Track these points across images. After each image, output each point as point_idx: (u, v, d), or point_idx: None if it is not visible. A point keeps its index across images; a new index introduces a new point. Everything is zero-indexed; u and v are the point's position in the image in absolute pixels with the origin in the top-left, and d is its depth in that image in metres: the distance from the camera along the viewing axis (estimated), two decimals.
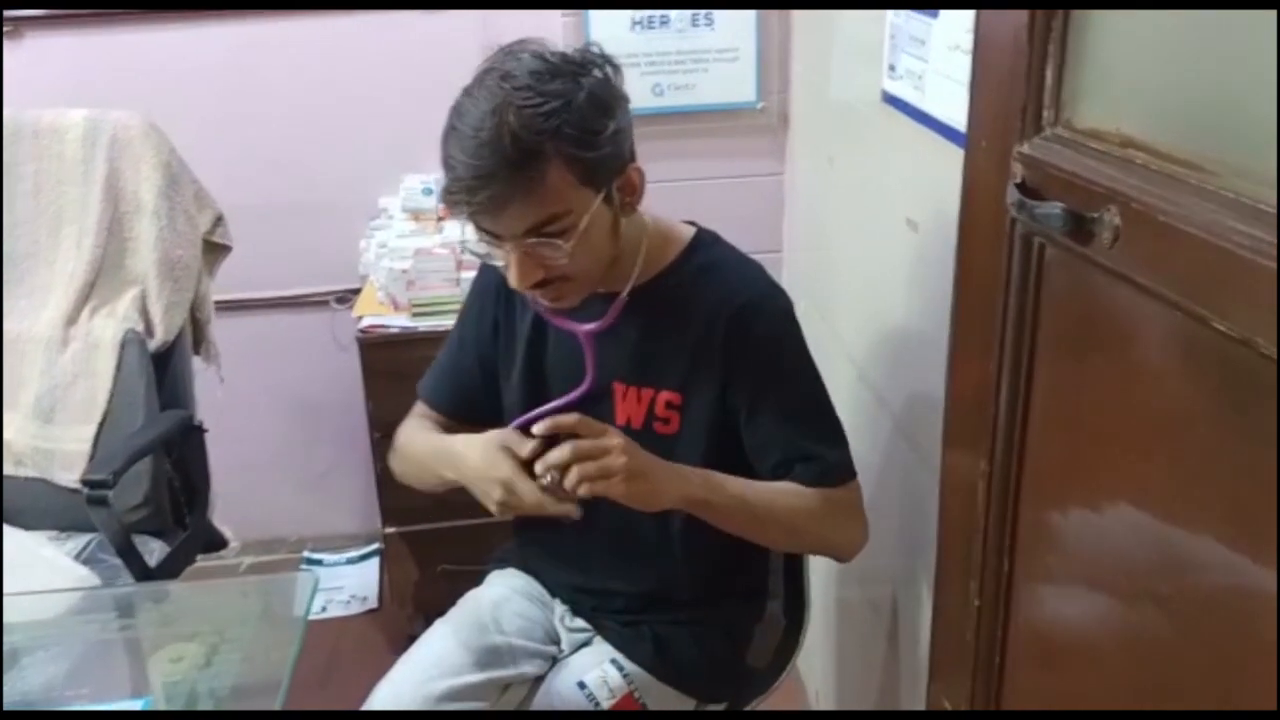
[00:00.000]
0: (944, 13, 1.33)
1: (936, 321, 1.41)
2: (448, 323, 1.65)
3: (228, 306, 2.24)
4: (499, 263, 1.18)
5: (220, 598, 1.70)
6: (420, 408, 1.45)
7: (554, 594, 1.46)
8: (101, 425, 1.79)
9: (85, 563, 1.70)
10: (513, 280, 1.16)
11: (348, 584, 2.55)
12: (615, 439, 1.15)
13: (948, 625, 1.08)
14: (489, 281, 1.39)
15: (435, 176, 2.30)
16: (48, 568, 1.64)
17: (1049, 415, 0.88)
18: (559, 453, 1.14)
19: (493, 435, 1.23)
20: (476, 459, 1.22)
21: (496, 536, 1.59)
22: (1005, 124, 0.87)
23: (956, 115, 1.30)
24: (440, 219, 2.28)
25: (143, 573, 1.65)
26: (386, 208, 2.34)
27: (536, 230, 1.12)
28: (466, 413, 1.40)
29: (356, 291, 2.31)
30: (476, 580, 1.52)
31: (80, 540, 1.76)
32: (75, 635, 1.51)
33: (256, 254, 2.16)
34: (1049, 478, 0.88)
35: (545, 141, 1.08)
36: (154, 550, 1.74)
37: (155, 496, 1.78)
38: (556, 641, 1.44)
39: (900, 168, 1.54)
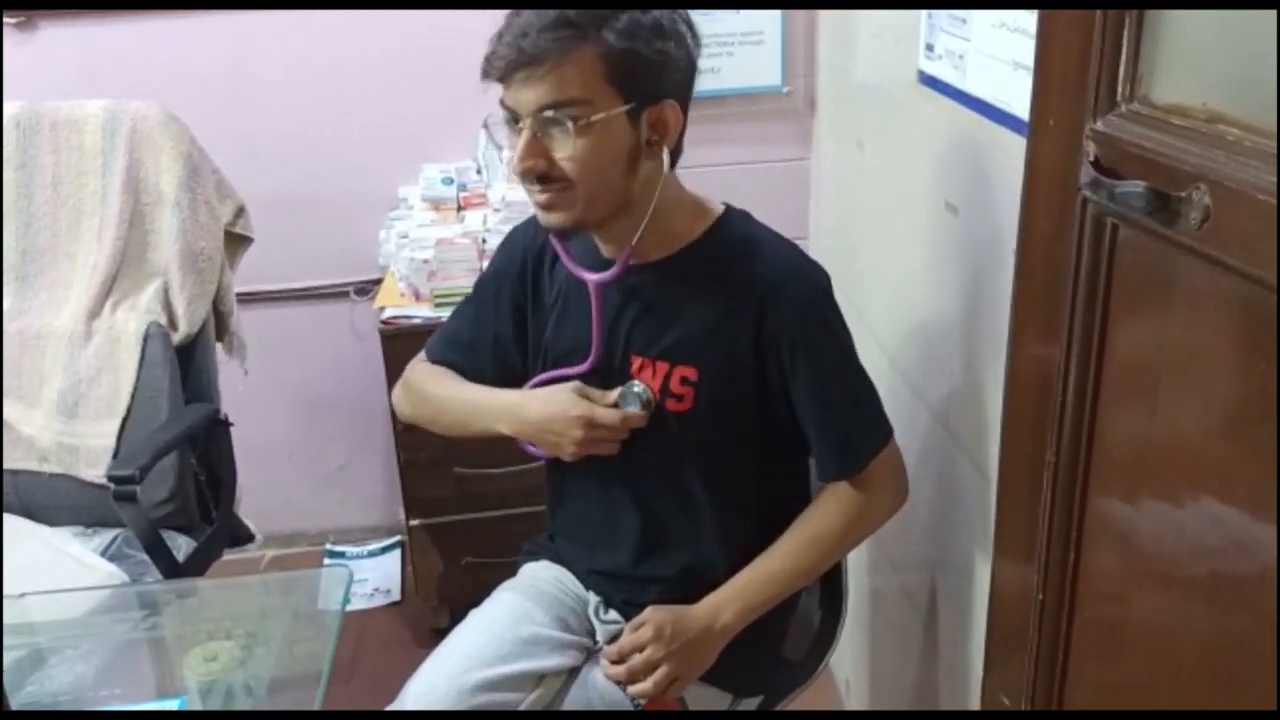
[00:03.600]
0: None
1: (978, 306, 1.38)
2: None
3: (245, 298, 2.21)
4: (515, 154, 1.18)
5: (247, 593, 1.69)
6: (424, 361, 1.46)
7: (587, 586, 1.44)
8: (126, 420, 1.77)
9: (112, 559, 1.68)
10: (515, 158, 1.17)
11: (370, 577, 2.54)
12: (646, 632, 1.25)
13: (1007, 618, 1.05)
14: (511, 263, 1.39)
15: (455, 165, 2.28)
16: (75, 565, 1.63)
17: (1121, 402, 0.85)
18: (614, 671, 1.27)
19: (558, 386, 1.28)
20: (546, 407, 1.28)
21: (520, 529, 1.58)
22: (1076, 101, 0.83)
23: (1002, 95, 1.28)
24: (461, 208, 2.26)
25: (170, 568, 1.63)
26: (406, 197, 2.31)
27: (551, 108, 1.14)
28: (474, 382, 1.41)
29: (376, 282, 2.29)
30: (505, 573, 1.50)
31: (106, 536, 1.75)
32: (104, 634, 1.50)
33: (274, 245, 2.13)
34: (1121, 466, 0.86)
35: (589, 26, 1.13)
36: (180, 545, 1.73)
37: (181, 491, 1.76)
38: (591, 633, 1.42)
39: (939, 150, 1.51)
